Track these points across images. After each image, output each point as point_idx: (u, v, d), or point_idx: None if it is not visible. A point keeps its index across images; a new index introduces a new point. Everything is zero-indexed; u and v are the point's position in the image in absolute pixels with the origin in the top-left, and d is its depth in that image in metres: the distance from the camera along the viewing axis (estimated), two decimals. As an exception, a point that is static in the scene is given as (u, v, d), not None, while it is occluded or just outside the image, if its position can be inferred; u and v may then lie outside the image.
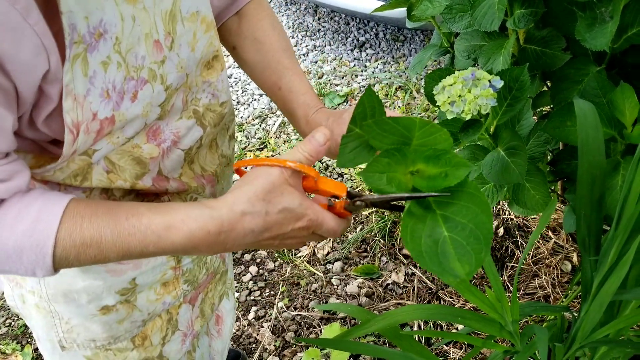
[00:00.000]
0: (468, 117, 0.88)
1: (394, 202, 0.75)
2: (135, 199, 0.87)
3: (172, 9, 0.76)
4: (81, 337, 0.98)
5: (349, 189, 0.77)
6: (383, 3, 2.51)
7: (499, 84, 0.88)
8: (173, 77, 0.79)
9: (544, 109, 1.46)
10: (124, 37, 0.69)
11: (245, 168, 0.78)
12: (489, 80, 0.88)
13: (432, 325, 1.85)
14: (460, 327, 1.83)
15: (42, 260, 0.66)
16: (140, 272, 0.96)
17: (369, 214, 2.33)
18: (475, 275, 2.01)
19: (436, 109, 1.27)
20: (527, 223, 2.11)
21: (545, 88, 1.33)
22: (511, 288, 1.92)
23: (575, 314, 1.08)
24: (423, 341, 1.83)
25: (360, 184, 2.51)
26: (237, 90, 3.28)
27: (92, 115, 0.69)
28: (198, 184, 0.93)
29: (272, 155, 2.79)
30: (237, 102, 3.20)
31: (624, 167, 1.04)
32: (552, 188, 1.48)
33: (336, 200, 0.78)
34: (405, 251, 2.17)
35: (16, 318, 2.17)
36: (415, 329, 1.85)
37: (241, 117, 3.07)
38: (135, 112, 0.75)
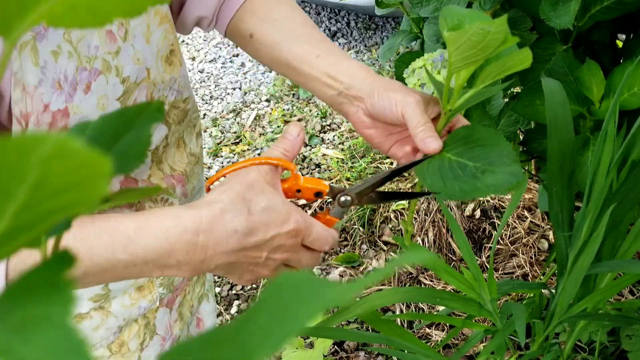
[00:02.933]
0: (438, 99, 0.88)
1: (381, 190, 0.74)
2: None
3: None
4: None
5: (331, 184, 0.73)
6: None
7: (467, 64, 0.88)
8: (129, 69, 0.78)
9: (513, 90, 1.48)
10: None
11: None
12: (457, 62, 0.88)
13: (414, 309, 1.86)
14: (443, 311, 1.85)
15: None
16: None
17: (347, 202, 2.33)
18: (454, 258, 2.03)
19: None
20: (502, 204, 2.13)
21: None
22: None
23: (553, 290, 1.10)
24: (406, 326, 1.84)
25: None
26: (210, 85, 3.25)
27: (43, 106, 0.67)
28: (168, 184, 0.91)
29: (247, 150, 2.78)
30: (210, 97, 3.17)
31: (594, 143, 1.06)
32: (526, 168, 1.49)
33: (319, 211, 0.74)
34: (385, 238, 2.18)
35: None
36: (398, 313, 1.87)
37: (215, 112, 3.05)
38: (90, 105, 0.73)
